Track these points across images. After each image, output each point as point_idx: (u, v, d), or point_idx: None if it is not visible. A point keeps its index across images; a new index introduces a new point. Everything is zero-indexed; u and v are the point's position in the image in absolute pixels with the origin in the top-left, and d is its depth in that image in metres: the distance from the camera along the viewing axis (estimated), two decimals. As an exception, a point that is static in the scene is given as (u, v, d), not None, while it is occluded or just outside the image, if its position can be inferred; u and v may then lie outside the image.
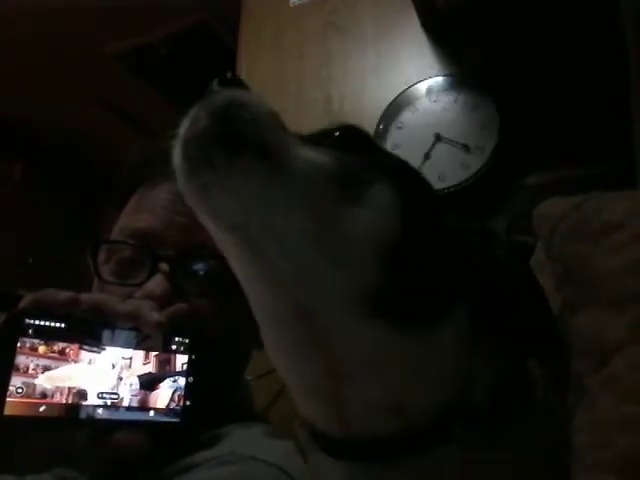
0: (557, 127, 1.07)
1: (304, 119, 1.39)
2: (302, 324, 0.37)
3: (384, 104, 1.23)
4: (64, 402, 0.50)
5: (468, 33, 1.22)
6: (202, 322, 0.62)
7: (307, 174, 0.37)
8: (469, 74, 1.18)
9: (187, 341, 0.57)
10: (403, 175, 0.43)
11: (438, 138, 1.13)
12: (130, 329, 0.54)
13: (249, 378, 1.18)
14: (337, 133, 0.46)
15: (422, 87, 1.20)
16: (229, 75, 0.41)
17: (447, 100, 1.16)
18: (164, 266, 0.62)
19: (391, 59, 1.33)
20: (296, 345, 0.39)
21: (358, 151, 0.43)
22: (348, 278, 0.36)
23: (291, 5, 1.52)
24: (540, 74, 1.11)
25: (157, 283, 0.61)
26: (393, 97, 1.22)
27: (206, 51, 2.35)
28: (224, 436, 0.62)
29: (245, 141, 0.35)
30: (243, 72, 1.55)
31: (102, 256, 0.66)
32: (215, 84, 0.40)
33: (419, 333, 0.38)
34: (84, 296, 0.54)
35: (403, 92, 1.22)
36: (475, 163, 1.07)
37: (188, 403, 0.56)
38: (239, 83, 0.40)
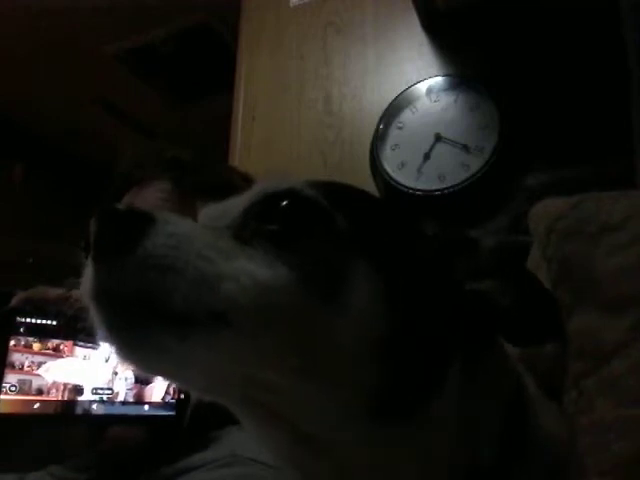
0: (557, 127, 1.07)
1: (304, 119, 1.39)
2: (302, 445, 0.35)
3: (384, 104, 1.23)
4: (60, 398, 0.50)
5: (468, 33, 1.22)
6: None
7: (271, 316, 0.32)
8: (469, 74, 1.18)
9: None
10: (372, 236, 0.38)
11: (438, 138, 1.13)
12: None
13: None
14: (284, 204, 0.36)
15: (422, 87, 1.20)
16: (114, 209, 0.33)
17: (447, 100, 1.16)
18: None
19: (391, 59, 1.33)
20: (297, 461, 0.37)
21: (312, 225, 0.36)
22: (346, 392, 0.33)
23: (291, 5, 1.52)
24: (540, 74, 1.11)
25: None
26: (393, 97, 1.22)
27: (206, 51, 2.35)
28: (223, 437, 0.63)
29: (191, 316, 0.31)
30: (243, 72, 1.55)
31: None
32: (112, 229, 0.32)
33: (421, 416, 0.35)
34: (75, 293, 0.54)
35: (403, 92, 1.22)
36: (475, 163, 1.07)
37: (182, 396, 0.56)
38: (140, 216, 0.32)
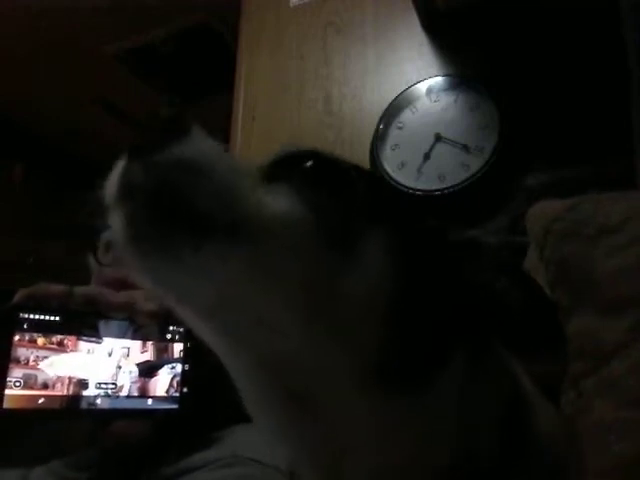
0: (557, 127, 1.07)
1: (304, 119, 1.39)
2: (298, 404, 0.34)
3: (384, 104, 1.23)
4: (65, 393, 0.50)
5: (468, 33, 1.22)
6: None
7: (287, 243, 0.32)
8: (469, 74, 1.18)
9: (182, 330, 0.57)
10: (388, 207, 0.39)
11: (438, 138, 1.13)
12: (125, 319, 0.55)
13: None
14: (308, 164, 0.39)
15: (422, 87, 1.20)
16: (165, 116, 0.34)
17: (447, 100, 1.16)
18: None
19: (391, 59, 1.33)
20: (291, 422, 0.36)
21: (333, 186, 0.37)
22: (350, 350, 0.33)
23: (291, 5, 1.52)
24: (540, 74, 1.11)
25: None
26: (393, 97, 1.22)
27: (206, 51, 2.35)
28: (225, 437, 0.63)
29: (212, 221, 0.30)
30: (243, 72, 1.55)
31: (101, 249, 0.67)
32: (150, 134, 0.33)
33: (422, 395, 0.35)
34: (77, 289, 0.55)
35: (403, 92, 1.22)
36: (475, 163, 1.07)
37: (185, 390, 0.56)
38: (178, 126, 0.34)
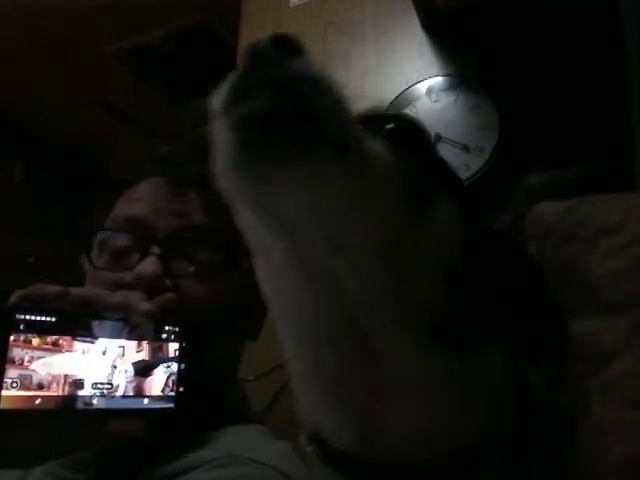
0: (557, 127, 1.07)
1: (304, 119, 1.39)
2: (351, 343, 0.34)
3: (384, 104, 1.23)
4: (60, 393, 0.51)
5: (468, 33, 1.22)
6: (194, 308, 0.62)
7: (382, 178, 0.33)
8: (469, 74, 1.18)
9: (177, 329, 0.57)
10: (460, 189, 0.41)
11: (438, 138, 1.13)
12: (120, 320, 0.55)
13: (250, 378, 1.18)
14: (391, 125, 0.39)
15: (422, 87, 1.20)
16: (284, 36, 0.33)
17: (447, 100, 1.16)
18: (155, 249, 0.62)
19: (391, 59, 1.33)
20: (338, 363, 0.35)
21: (414, 151, 0.38)
22: (412, 298, 0.33)
23: (291, 5, 1.52)
24: (540, 74, 1.11)
25: (148, 264, 0.61)
26: (393, 97, 1.22)
27: (206, 51, 2.35)
28: (220, 437, 0.62)
29: (323, 132, 0.30)
30: (243, 72, 1.55)
31: (95, 251, 0.67)
32: (266, 44, 0.32)
33: (470, 362, 0.35)
34: (73, 290, 0.55)
35: (403, 92, 1.22)
36: (475, 163, 1.07)
37: (181, 389, 0.56)
38: (297, 48, 0.33)
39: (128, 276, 0.61)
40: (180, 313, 0.60)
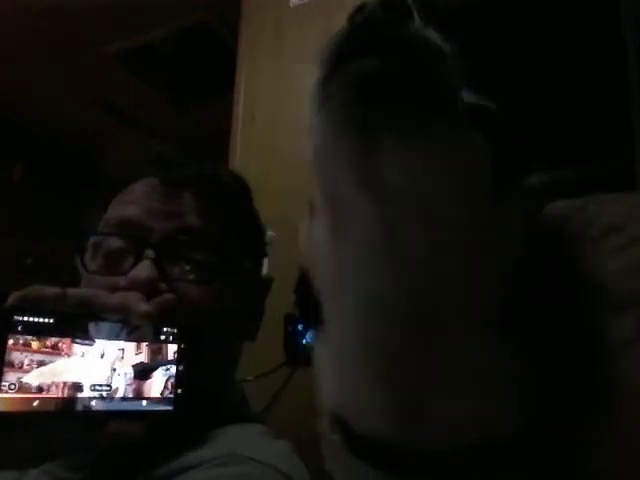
0: (557, 127, 1.07)
1: (304, 119, 1.39)
2: (417, 322, 0.33)
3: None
4: (60, 396, 0.51)
5: (468, 33, 1.22)
6: (191, 310, 0.62)
7: (473, 155, 0.32)
8: (469, 74, 1.18)
9: (176, 331, 0.57)
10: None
11: (438, 138, 1.13)
12: (119, 321, 0.54)
13: (249, 378, 1.18)
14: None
15: (422, 87, 1.20)
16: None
17: (447, 100, 1.16)
18: (149, 252, 0.62)
19: (391, 59, 1.33)
20: (400, 341, 0.34)
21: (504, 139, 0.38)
22: (488, 280, 0.33)
23: (291, 6, 1.52)
24: (540, 74, 1.11)
25: (142, 269, 0.61)
26: (393, 97, 1.22)
27: (206, 51, 2.35)
28: (220, 436, 0.62)
29: (443, 100, 0.30)
30: (243, 72, 1.55)
31: (89, 253, 0.66)
32: (375, 5, 0.30)
33: (522, 352, 0.35)
34: (71, 291, 0.54)
35: (403, 92, 1.22)
36: (475, 163, 1.07)
37: (180, 391, 0.57)
38: (409, 12, 0.31)
39: (122, 280, 0.61)
40: (178, 315, 0.59)
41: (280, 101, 1.45)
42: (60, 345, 0.51)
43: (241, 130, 1.48)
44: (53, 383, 0.50)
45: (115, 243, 0.65)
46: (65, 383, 0.51)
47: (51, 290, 0.53)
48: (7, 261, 2.79)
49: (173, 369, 0.57)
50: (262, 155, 1.41)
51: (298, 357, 1.18)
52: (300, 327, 1.18)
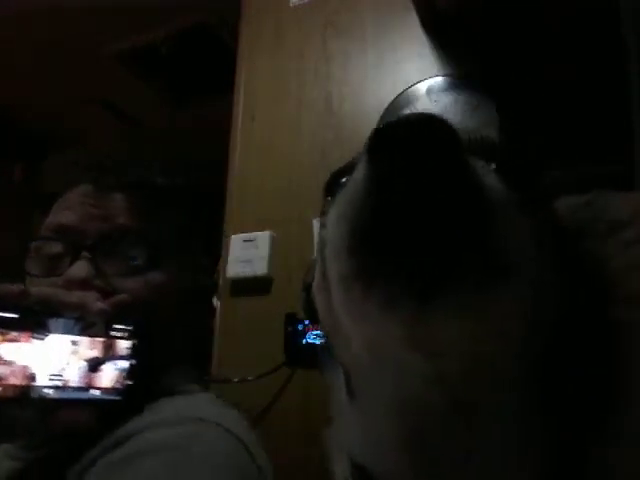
0: (557, 127, 1.07)
1: (304, 119, 1.39)
2: (453, 418, 0.32)
3: (384, 104, 1.23)
4: (18, 384, 0.56)
5: (468, 33, 1.22)
6: (141, 308, 0.68)
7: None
8: (469, 74, 1.18)
9: (129, 328, 0.63)
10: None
11: (438, 138, 1.13)
12: (75, 318, 0.60)
13: (249, 378, 1.18)
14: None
15: (422, 87, 1.20)
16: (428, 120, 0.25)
17: (447, 100, 1.16)
18: (85, 253, 0.68)
19: (391, 59, 1.33)
20: (435, 435, 0.33)
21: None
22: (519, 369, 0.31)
23: (291, 5, 1.52)
24: (540, 74, 1.11)
25: (77, 268, 0.67)
26: (393, 97, 1.22)
27: (206, 51, 2.35)
28: (168, 403, 0.67)
29: (499, 263, 0.26)
30: (243, 72, 1.55)
31: (33, 255, 0.74)
32: (411, 136, 0.24)
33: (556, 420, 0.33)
34: (33, 289, 0.61)
35: (403, 92, 1.22)
36: (475, 163, 1.07)
37: (130, 383, 0.63)
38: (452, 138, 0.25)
39: (59, 281, 0.67)
40: (128, 312, 0.65)
41: (280, 101, 1.45)
42: (20, 338, 0.57)
43: (241, 130, 1.48)
44: (12, 372, 0.56)
45: (55, 247, 0.71)
46: (23, 372, 0.57)
47: (16, 287, 0.59)
48: (7, 260, 2.78)
49: (122, 363, 0.63)
50: (262, 155, 1.41)
51: (298, 357, 1.19)
52: (300, 327, 1.18)
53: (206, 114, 2.53)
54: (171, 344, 0.76)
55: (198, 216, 0.86)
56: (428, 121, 0.24)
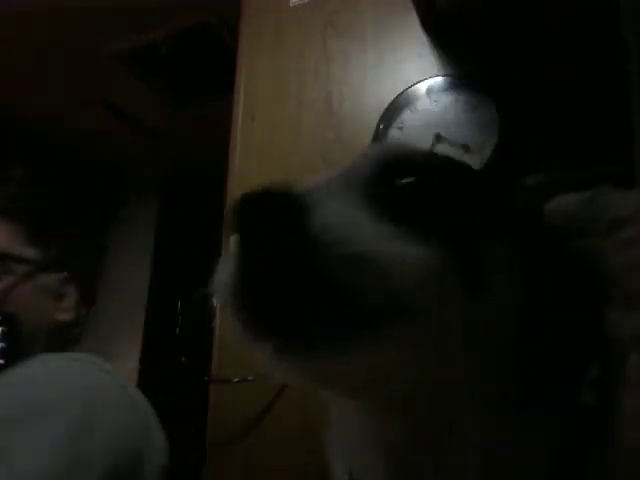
0: (557, 127, 1.07)
1: (304, 119, 1.39)
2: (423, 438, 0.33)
3: (384, 104, 1.23)
4: None
5: (468, 33, 1.22)
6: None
7: (432, 303, 0.29)
8: (469, 74, 1.18)
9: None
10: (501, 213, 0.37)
11: (438, 138, 1.13)
12: None
13: (249, 378, 1.18)
14: (400, 182, 0.33)
15: (422, 87, 1.20)
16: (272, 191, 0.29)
17: (447, 100, 1.16)
18: None
19: (391, 59, 1.33)
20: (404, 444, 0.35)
21: (450, 198, 0.33)
22: (490, 378, 0.32)
23: (291, 5, 1.52)
24: (540, 74, 1.11)
25: None
26: (393, 97, 1.22)
27: (206, 51, 2.35)
28: (30, 360, 0.80)
29: (367, 317, 0.28)
30: (243, 72, 1.55)
31: None
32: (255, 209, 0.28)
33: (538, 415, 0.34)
34: None
35: (403, 92, 1.22)
36: (475, 163, 1.07)
37: (2, 362, 0.82)
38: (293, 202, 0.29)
39: None
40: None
41: (280, 101, 1.45)
42: None
43: (241, 130, 1.48)
44: None
45: None
46: None
47: None
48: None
49: None
50: (262, 155, 1.41)
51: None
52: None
53: (206, 114, 2.52)
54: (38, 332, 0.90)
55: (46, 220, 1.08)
56: (272, 199, 0.28)
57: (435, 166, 0.37)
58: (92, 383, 0.76)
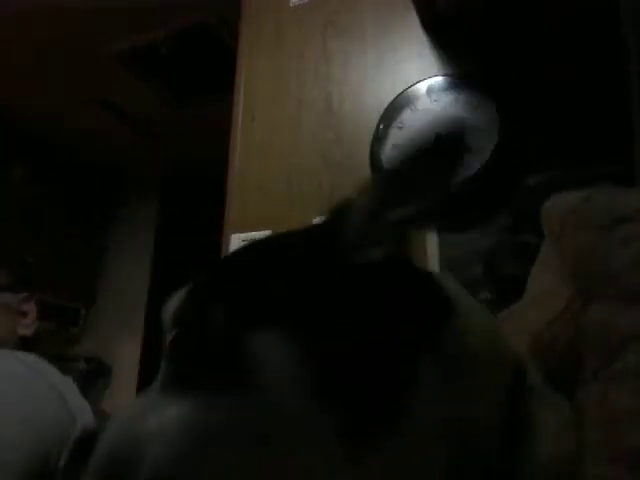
0: (557, 127, 1.07)
1: (304, 119, 1.39)
2: None
3: (384, 104, 1.23)
4: None
5: (468, 33, 1.22)
6: None
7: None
8: (469, 74, 1.18)
9: None
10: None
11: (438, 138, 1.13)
12: None
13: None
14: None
15: (422, 87, 1.20)
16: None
17: (447, 100, 1.16)
18: None
19: (391, 59, 1.33)
20: None
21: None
22: None
23: (291, 5, 1.52)
24: (540, 74, 1.11)
25: None
26: (393, 97, 1.22)
27: (206, 51, 2.35)
28: None
29: None
30: (243, 72, 1.55)
31: None
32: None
33: None
34: None
35: (403, 92, 1.22)
36: (475, 163, 1.07)
37: None
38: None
39: None
40: None
41: (280, 101, 1.45)
42: None
43: (241, 130, 1.48)
44: None
45: None
46: None
47: None
48: (7, 260, 2.78)
49: None
50: (262, 155, 1.41)
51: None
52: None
53: (206, 114, 2.52)
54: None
55: None
56: None
57: None
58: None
